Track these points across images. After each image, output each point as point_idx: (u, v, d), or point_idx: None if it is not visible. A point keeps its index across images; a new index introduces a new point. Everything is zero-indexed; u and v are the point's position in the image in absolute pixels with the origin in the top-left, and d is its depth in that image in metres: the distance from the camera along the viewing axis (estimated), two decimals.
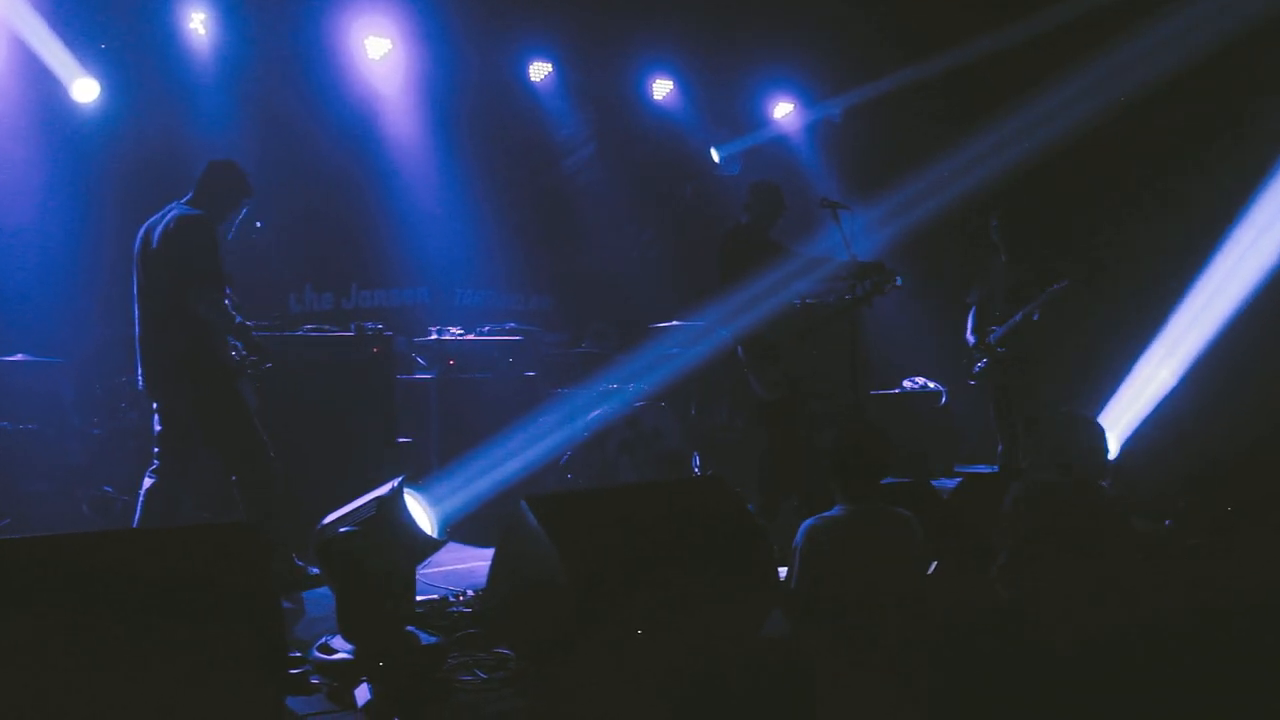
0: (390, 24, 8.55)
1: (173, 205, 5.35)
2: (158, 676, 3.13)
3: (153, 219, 5.34)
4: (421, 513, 3.94)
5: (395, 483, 3.94)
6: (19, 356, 6.58)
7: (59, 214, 7.27)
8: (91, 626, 3.07)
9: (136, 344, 5.35)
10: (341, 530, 3.88)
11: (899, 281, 6.16)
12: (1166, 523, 6.16)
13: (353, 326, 6.86)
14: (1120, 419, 6.11)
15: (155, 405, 5.35)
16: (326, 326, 6.99)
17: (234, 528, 3.56)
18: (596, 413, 7.00)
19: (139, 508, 5.25)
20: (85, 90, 7.27)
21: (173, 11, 7.73)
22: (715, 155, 10.36)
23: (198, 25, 7.77)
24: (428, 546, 4.00)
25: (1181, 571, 5.29)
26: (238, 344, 5.29)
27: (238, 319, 5.27)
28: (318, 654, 3.76)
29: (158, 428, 5.34)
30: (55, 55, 7.15)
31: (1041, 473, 4.50)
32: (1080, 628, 3.88)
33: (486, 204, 9.21)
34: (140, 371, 5.34)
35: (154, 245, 5.23)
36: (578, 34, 9.36)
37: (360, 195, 8.69)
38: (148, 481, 5.26)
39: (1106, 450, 5.75)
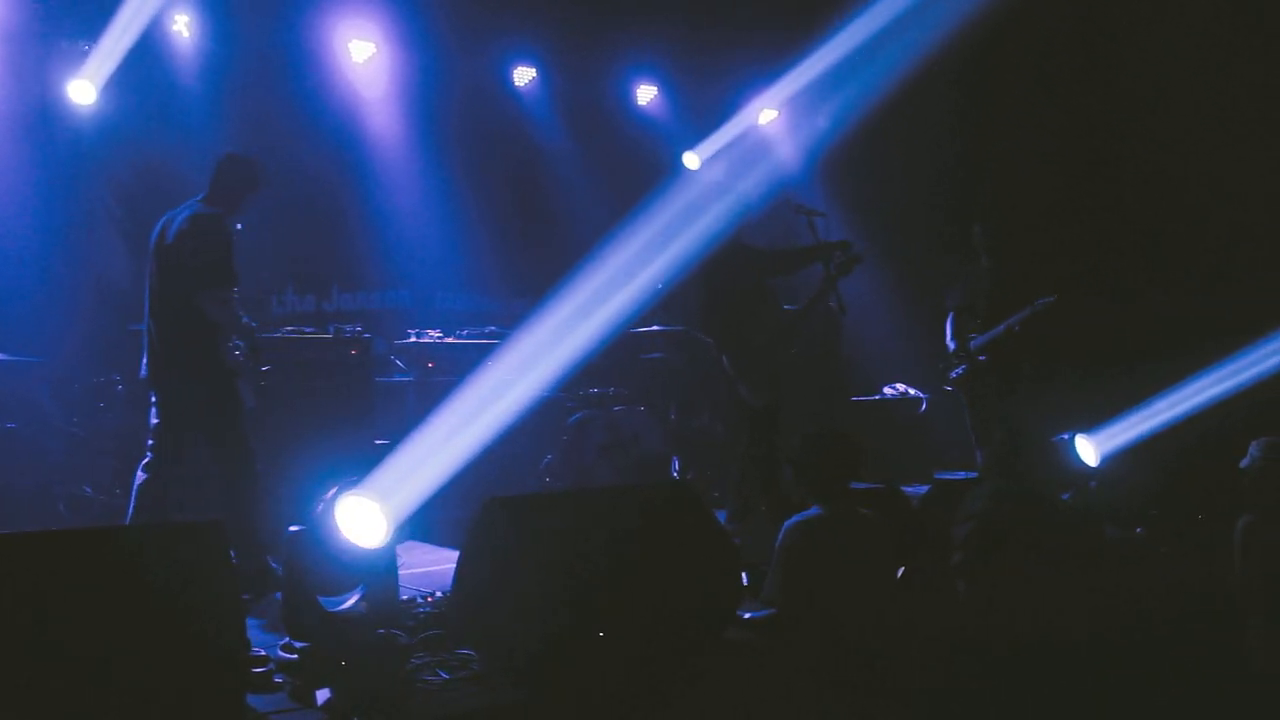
0: (374, 28, 8.59)
1: (191, 200, 5.36)
2: (117, 673, 3.15)
3: (171, 213, 5.35)
4: (375, 513, 3.91)
5: (335, 489, 3.92)
6: None
7: (37, 215, 7.27)
8: (51, 623, 3.09)
9: (145, 334, 5.36)
10: (289, 530, 3.89)
11: (861, 253, 6.03)
12: (1138, 530, 6.23)
13: (330, 329, 6.91)
14: (1113, 437, 6.03)
15: (154, 398, 5.35)
16: (306, 328, 7.01)
17: (195, 526, 3.58)
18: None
19: (131, 501, 5.26)
20: (82, 92, 7.26)
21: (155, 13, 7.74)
22: (689, 161, 10.34)
23: (181, 27, 7.80)
24: (365, 553, 3.95)
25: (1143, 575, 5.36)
26: (240, 344, 5.31)
27: (244, 319, 5.30)
28: (281, 653, 3.78)
29: (154, 420, 5.34)
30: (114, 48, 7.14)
31: (999, 480, 4.55)
32: (1027, 625, 3.93)
33: (468, 208, 9.23)
34: (145, 361, 5.35)
35: (169, 240, 5.24)
36: (562, 39, 9.39)
37: (343, 198, 8.73)
38: (141, 476, 5.28)
39: (1064, 464, 5.77)
